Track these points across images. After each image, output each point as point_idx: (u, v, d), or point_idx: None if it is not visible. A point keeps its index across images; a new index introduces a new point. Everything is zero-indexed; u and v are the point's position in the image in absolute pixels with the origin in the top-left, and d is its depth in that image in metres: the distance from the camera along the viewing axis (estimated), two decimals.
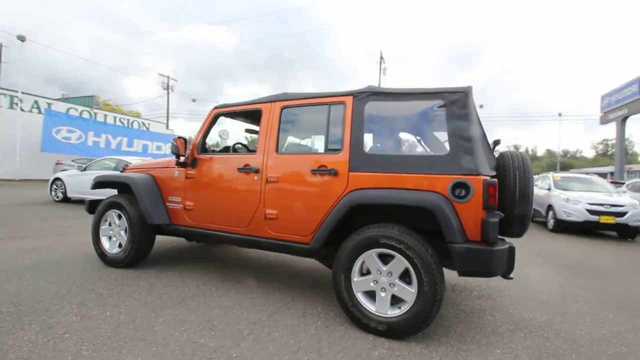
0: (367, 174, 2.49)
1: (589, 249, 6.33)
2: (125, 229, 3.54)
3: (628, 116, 17.49)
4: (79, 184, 8.96)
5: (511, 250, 2.28)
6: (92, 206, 3.83)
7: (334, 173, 2.59)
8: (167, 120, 31.09)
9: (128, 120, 24.82)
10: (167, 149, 21.64)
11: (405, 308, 2.28)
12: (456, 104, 2.34)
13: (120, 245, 3.58)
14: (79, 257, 3.87)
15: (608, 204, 7.51)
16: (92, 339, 2.09)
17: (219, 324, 2.39)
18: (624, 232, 7.64)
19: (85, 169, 9.23)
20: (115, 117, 23.82)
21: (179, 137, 3.24)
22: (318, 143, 3.21)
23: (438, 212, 2.17)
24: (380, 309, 2.34)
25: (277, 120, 2.93)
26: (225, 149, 3.70)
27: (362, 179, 2.50)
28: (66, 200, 9.37)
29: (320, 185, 2.65)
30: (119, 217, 3.59)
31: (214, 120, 3.33)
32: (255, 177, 2.93)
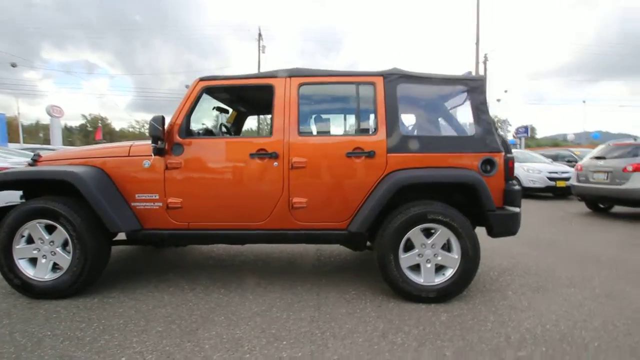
0: (405, 154, 2.58)
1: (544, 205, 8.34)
2: (65, 243, 2.52)
3: None
4: None
5: None
6: None
7: (372, 155, 2.55)
8: None
9: None
10: None
11: (449, 274, 2.55)
12: (477, 91, 2.67)
13: (56, 268, 2.54)
14: None
15: (561, 172, 9.59)
16: None
17: (279, 331, 2.11)
18: (564, 193, 9.55)
19: None
20: None
21: (159, 116, 2.48)
22: (340, 123, 3.03)
23: (480, 186, 2.48)
24: (428, 279, 2.55)
25: (295, 98, 2.62)
26: (207, 132, 3.04)
27: (400, 160, 2.57)
28: None
29: (357, 168, 2.58)
30: (50, 229, 2.52)
31: (199, 97, 2.67)
32: (275, 164, 2.57)
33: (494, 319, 2.28)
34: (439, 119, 2.92)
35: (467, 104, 2.68)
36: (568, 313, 2.38)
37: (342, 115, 2.98)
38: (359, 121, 2.64)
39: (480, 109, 2.66)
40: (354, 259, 3.71)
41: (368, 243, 2.93)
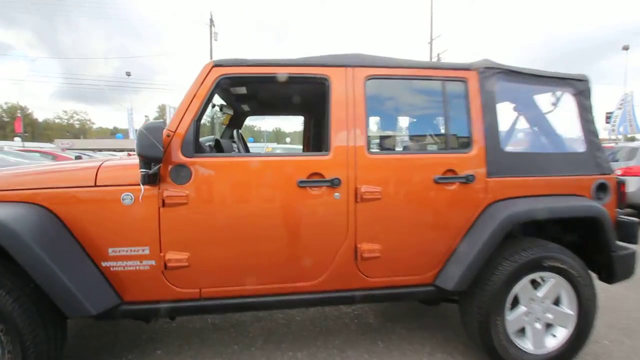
0: (510, 179, 1.90)
1: None
2: None
3: None
4: None
5: None
6: None
7: (470, 180, 1.83)
8: None
9: None
10: None
11: (563, 335, 1.94)
12: (583, 94, 2.08)
13: None
14: None
15: None
16: None
17: None
18: None
19: None
20: None
21: (156, 123, 1.49)
22: (421, 134, 2.22)
23: (606, 220, 1.89)
24: (538, 344, 1.92)
25: (361, 97, 1.78)
26: (216, 146, 2.05)
27: (504, 186, 1.89)
28: None
29: (449, 198, 1.84)
30: None
31: (213, 91, 1.71)
32: (336, 195, 1.73)
33: None
34: (538, 128, 2.28)
35: (572, 110, 2.08)
36: None
37: (423, 123, 2.20)
38: (448, 132, 1.89)
39: (588, 118, 2.07)
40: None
41: None
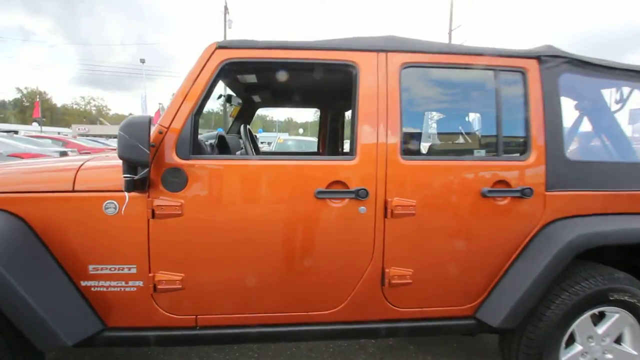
0: (573, 193, 1.56)
1: None
2: None
3: None
4: None
5: None
6: None
7: (526, 194, 1.49)
8: None
9: None
10: None
11: None
12: None
13: None
14: None
15: None
16: None
17: None
18: None
19: None
20: None
21: (141, 117, 1.21)
22: (463, 134, 1.88)
23: None
24: None
25: (396, 90, 1.46)
26: (221, 144, 1.77)
27: (566, 202, 1.55)
28: None
29: (498, 215, 1.52)
30: None
31: (216, 78, 1.41)
32: (362, 209, 1.42)
33: None
34: (608, 133, 1.91)
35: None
36: None
37: (468, 121, 1.86)
38: (500, 134, 1.55)
39: None
40: None
41: None
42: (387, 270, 1.46)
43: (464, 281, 1.54)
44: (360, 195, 1.40)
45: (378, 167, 1.43)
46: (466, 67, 1.53)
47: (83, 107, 61.42)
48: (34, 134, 14.50)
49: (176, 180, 1.35)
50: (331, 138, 2.88)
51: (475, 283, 1.54)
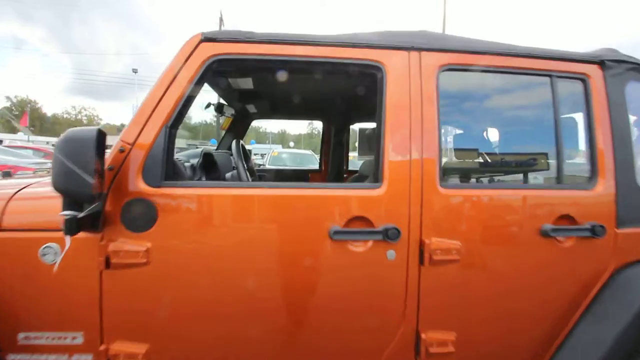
0: None
1: None
2: None
3: None
4: None
5: None
6: None
7: (597, 234, 1.16)
8: None
9: None
10: None
11: None
12: None
13: None
14: None
15: None
16: None
17: None
18: None
19: None
20: None
21: (87, 130, 0.86)
22: (514, 155, 1.53)
23: None
24: None
25: (433, 97, 1.13)
26: (208, 164, 1.41)
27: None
28: None
29: (561, 260, 1.18)
30: None
31: (201, 78, 1.07)
32: (390, 253, 1.07)
33: None
34: None
35: None
36: None
37: (522, 140, 1.52)
38: (561, 156, 1.23)
39: None
40: None
41: None
42: (423, 335, 1.11)
43: (522, 344, 1.19)
44: (389, 235, 1.05)
45: (412, 198, 1.09)
46: (516, 71, 1.22)
47: (74, 116, 60.55)
48: (18, 143, 13.92)
49: (141, 215, 0.99)
50: (336, 153, 2.55)
51: (534, 347, 1.20)
